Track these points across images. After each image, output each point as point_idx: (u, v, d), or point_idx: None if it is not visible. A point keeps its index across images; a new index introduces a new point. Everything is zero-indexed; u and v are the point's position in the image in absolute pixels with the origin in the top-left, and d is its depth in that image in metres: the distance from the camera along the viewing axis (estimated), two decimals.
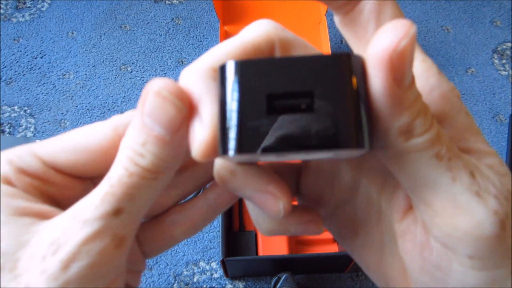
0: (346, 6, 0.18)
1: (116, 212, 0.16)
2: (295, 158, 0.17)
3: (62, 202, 0.19)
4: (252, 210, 0.20)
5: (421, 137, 0.15)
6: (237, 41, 0.17)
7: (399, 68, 0.14)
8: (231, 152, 0.15)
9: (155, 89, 0.15)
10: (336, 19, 0.19)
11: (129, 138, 0.16)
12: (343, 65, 0.14)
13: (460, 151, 0.16)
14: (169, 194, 0.21)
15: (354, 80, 0.14)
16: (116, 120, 0.19)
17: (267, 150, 0.14)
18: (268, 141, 0.14)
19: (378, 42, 0.14)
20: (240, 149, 0.15)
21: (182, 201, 0.22)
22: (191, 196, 0.23)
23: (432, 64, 0.17)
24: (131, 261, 0.20)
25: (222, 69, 0.15)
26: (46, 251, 0.15)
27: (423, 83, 0.17)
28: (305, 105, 0.14)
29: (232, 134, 0.15)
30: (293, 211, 0.19)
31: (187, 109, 0.16)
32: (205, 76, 0.16)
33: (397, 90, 0.14)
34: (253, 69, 0.15)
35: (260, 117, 0.15)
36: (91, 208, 0.16)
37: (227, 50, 0.16)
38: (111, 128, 0.18)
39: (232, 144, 0.15)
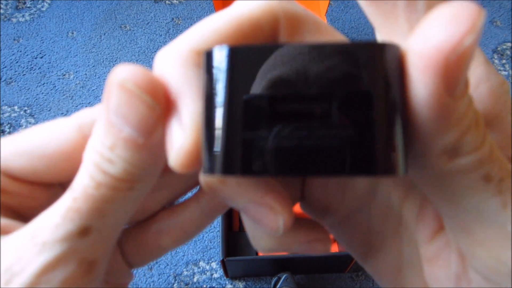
0: None
1: (83, 231, 0.13)
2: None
3: (25, 214, 0.16)
4: (248, 223, 0.17)
5: (469, 157, 0.12)
6: (230, 15, 0.13)
7: (455, 74, 0.10)
8: (218, 171, 0.11)
9: (119, 80, 0.12)
10: None
11: (95, 139, 0.13)
12: (375, 58, 0.11)
13: (508, 161, 0.13)
14: (155, 197, 0.18)
15: (389, 81, 0.11)
16: (81, 117, 0.15)
17: (266, 173, 0.11)
18: (268, 160, 0.11)
19: (429, 35, 0.10)
20: (230, 169, 0.11)
21: (172, 203, 0.19)
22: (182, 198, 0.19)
23: (479, 51, 0.13)
24: (114, 273, 0.17)
25: (209, 56, 0.11)
26: None
27: (469, 75, 0.13)
28: (321, 112, 0.11)
29: (220, 147, 0.11)
30: (298, 227, 0.16)
31: (161, 105, 0.12)
32: (186, 62, 0.13)
33: (448, 100, 0.11)
34: (251, 59, 0.11)
35: (259, 126, 0.11)
36: (51, 227, 0.13)
37: (216, 28, 0.13)
38: (75, 128, 0.15)
39: (219, 160, 0.11)
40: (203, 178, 0.14)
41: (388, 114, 0.11)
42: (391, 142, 0.11)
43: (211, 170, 0.11)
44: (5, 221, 0.14)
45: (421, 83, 0.10)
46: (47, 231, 0.13)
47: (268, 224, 0.14)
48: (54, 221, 0.13)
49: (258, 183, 0.14)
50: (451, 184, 0.12)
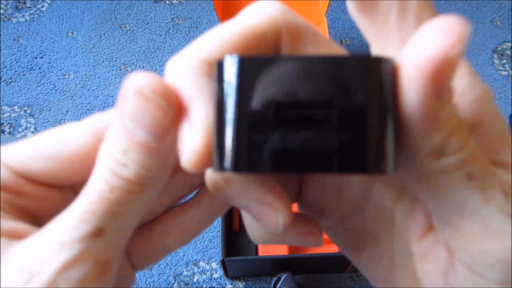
0: None
1: (98, 232, 0.14)
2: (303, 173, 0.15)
3: (38, 216, 0.17)
4: (246, 217, 0.18)
5: (453, 157, 0.13)
6: (236, 26, 0.14)
7: (443, 81, 0.11)
8: (228, 169, 0.13)
9: (136, 87, 0.13)
10: (350, 4, 0.16)
11: (109, 145, 0.14)
12: (372, 71, 0.12)
13: (492, 164, 0.14)
14: (160, 200, 0.19)
15: (383, 91, 0.12)
16: (95, 121, 0.16)
17: (271, 170, 0.12)
18: (274, 159, 0.12)
19: (421, 47, 0.11)
20: (239, 166, 0.12)
21: (175, 205, 0.20)
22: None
23: (465, 63, 0.15)
24: (118, 275, 0.18)
25: (220, 65, 0.13)
26: (17, 281, 0.13)
27: (454, 84, 0.14)
28: (321, 118, 0.12)
29: (230, 147, 0.12)
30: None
31: (175, 110, 0.14)
32: (197, 71, 0.14)
33: (435, 105, 0.12)
34: (259, 69, 0.12)
35: (266, 129, 0.12)
36: (68, 229, 0.14)
37: (223, 39, 0.14)
38: (90, 132, 0.16)
39: (229, 159, 0.13)
40: (209, 179, 0.16)
41: (380, 119, 0.12)
42: (382, 144, 0.12)
43: (222, 168, 0.13)
44: (22, 225, 0.15)
45: (412, 90, 0.12)
46: (65, 232, 0.14)
47: (269, 221, 0.15)
48: (72, 224, 0.14)
49: (259, 183, 0.15)
50: (438, 183, 0.13)
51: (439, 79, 0.11)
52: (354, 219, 0.19)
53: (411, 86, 0.12)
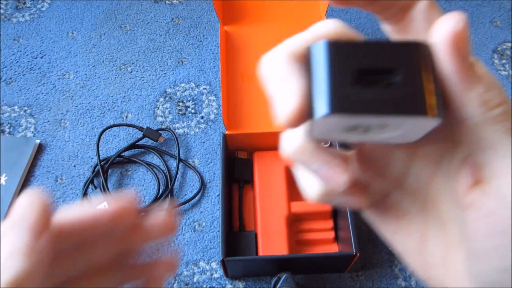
0: (397, 16, 0.20)
1: None
2: (373, 136, 0.19)
3: None
4: (302, 178, 0.22)
5: (499, 108, 0.17)
6: (311, 33, 0.19)
7: (461, 45, 0.16)
8: (325, 111, 0.17)
9: (22, 198, 0.18)
10: (387, 28, 0.21)
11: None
12: (420, 49, 0.17)
13: None
14: None
15: (429, 61, 0.17)
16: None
17: (357, 112, 0.17)
18: (357, 106, 0.17)
19: (441, 30, 0.17)
20: (332, 110, 0.17)
21: None
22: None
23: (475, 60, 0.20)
24: None
25: (313, 47, 0.18)
26: None
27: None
28: (389, 80, 0.17)
29: (324, 99, 0.17)
30: None
31: (49, 215, 0.19)
32: (288, 58, 0.19)
33: (465, 65, 0.17)
34: (342, 48, 0.18)
35: (349, 87, 0.17)
36: None
37: (304, 39, 0.19)
38: None
39: (324, 106, 0.17)
40: (288, 145, 0.20)
41: (430, 80, 0.17)
42: (434, 98, 0.17)
43: (319, 114, 0.17)
44: None
45: (445, 57, 0.17)
46: None
47: (334, 180, 0.19)
48: None
49: (328, 151, 0.20)
50: (491, 133, 0.17)
51: (458, 45, 0.16)
52: (391, 197, 0.23)
53: (444, 55, 0.17)
